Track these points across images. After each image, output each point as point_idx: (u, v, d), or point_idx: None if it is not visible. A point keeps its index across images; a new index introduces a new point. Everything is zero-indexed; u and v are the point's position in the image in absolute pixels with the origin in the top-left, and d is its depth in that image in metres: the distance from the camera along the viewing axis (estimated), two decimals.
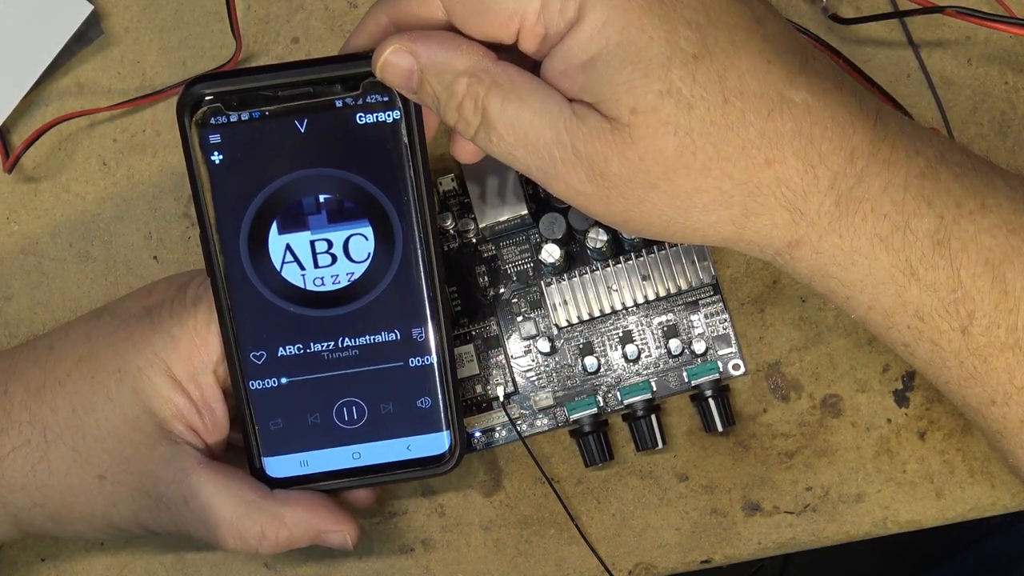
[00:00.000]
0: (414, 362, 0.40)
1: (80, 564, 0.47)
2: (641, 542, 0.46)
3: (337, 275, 0.39)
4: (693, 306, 0.46)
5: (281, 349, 0.40)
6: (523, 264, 0.47)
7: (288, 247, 0.39)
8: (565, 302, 0.46)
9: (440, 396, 0.40)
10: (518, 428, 0.46)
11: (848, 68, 0.45)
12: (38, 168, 0.48)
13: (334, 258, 0.39)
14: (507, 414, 0.46)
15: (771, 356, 0.46)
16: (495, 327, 0.47)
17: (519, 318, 0.47)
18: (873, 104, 0.34)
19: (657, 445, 0.45)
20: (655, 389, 0.46)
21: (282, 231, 0.39)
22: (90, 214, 0.48)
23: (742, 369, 0.46)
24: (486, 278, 0.47)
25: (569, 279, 0.46)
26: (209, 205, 0.39)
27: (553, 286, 0.46)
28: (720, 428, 0.45)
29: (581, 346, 0.47)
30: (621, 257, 0.46)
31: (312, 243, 0.39)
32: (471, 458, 0.47)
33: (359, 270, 0.39)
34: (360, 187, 0.39)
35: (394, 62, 0.35)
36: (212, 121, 0.38)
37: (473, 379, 0.47)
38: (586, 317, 0.46)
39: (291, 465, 0.41)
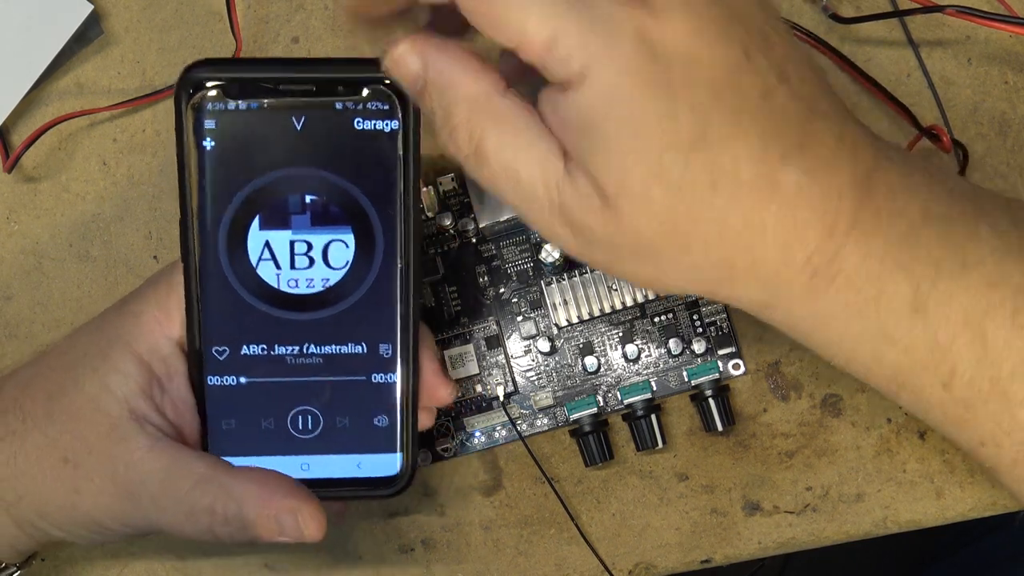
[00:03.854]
0: (377, 378, 0.39)
1: (80, 564, 0.47)
2: (641, 542, 0.46)
3: (312, 279, 0.39)
4: (693, 306, 0.46)
5: (245, 347, 0.39)
6: (523, 264, 0.47)
7: (267, 244, 0.39)
8: (565, 302, 0.46)
9: (399, 416, 0.40)
10: (518, 428, 0.46)
11: (848, 68, 0.45)
12: (38, 168, 0.48)
13: (312, 261, 0.39)
14: (507, 414, 0.46)
15: (771, 356, 0.46)
16: (495, 327, 0.47)
17: (519, 318, 0.47)
18: (867, 161, 0.33)
19: (657, 445, 0.45)
20: (655, 389, 0.46)
21: (263, 227, 0.38)
22: (90, 214, 0.48)
23: (742, 369, 0.46)
24: (486, 278, 0.47)
25: (569, 279, 0.46)
26: (194, 191, 0.38)
27: (553, 286, 0.46)
28: (720, 428, 0.45)
29: (581, 346, 0.47)
30: None
31: (292, 243, 0.39)
32: (471, 458, 0.47)
33: (335, 277, 0.39)
34: (348, 193, 0.38)
35: (403, 62, 0.34)
36: (209, 107, 0.37)
37: (473, 379, 0.47)
38: (586, 317, 0.46)
39: None
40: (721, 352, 0.46)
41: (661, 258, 0.33)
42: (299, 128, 0.38)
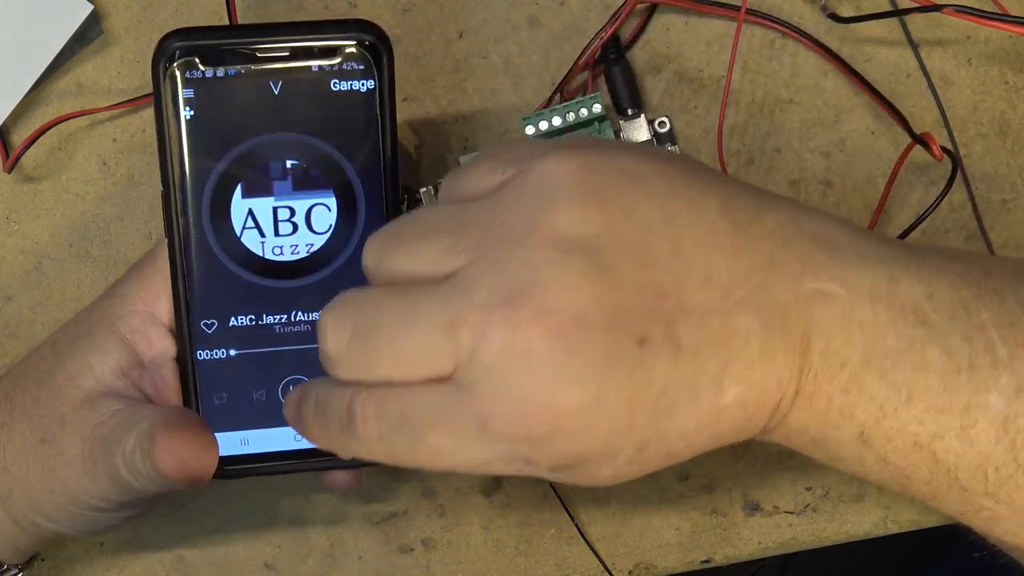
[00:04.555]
0: None
1: (80, 564, 0.47)
2: (641, 542, 0.46)
3: (296, 245, 0.39)
4: None
5: (233, 319, 0.39)
6: None
7: (250, 212, 0.38)
8: None
9: None
10: None
11: (845, 71, 0.45)
12: (38, 168, 0.48)
13: (295, 227, 0.39)
14: None
15: None
16: None
17: None
18: (800, 324, 0.32)
19: None
20: None
21: (246, 195, 0.38)
22: (90, 214, 0.48)
23: None
24: None
25: None
26: (175, 162, 0.38)
27: None
28: None
29: None
30: None
31: (275, 210, 0.38)
32: None
33: (319, 242, 0.39)
34: (328, 155, 0.38)
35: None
36: (187, 75, 0.37)
37: None
38: None
39: (231, 443, 0.40)
40: None
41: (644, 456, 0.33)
42: (277, 93, 0.38)
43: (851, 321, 0.32)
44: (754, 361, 0.31)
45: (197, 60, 0.37)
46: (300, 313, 0.39)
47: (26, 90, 0.47)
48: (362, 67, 0.38)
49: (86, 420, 0.38)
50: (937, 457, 0.33)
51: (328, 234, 0.39)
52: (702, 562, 0.46)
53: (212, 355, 0.39)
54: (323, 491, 0.47)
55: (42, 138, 0.47)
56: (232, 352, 0.39)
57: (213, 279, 0.39)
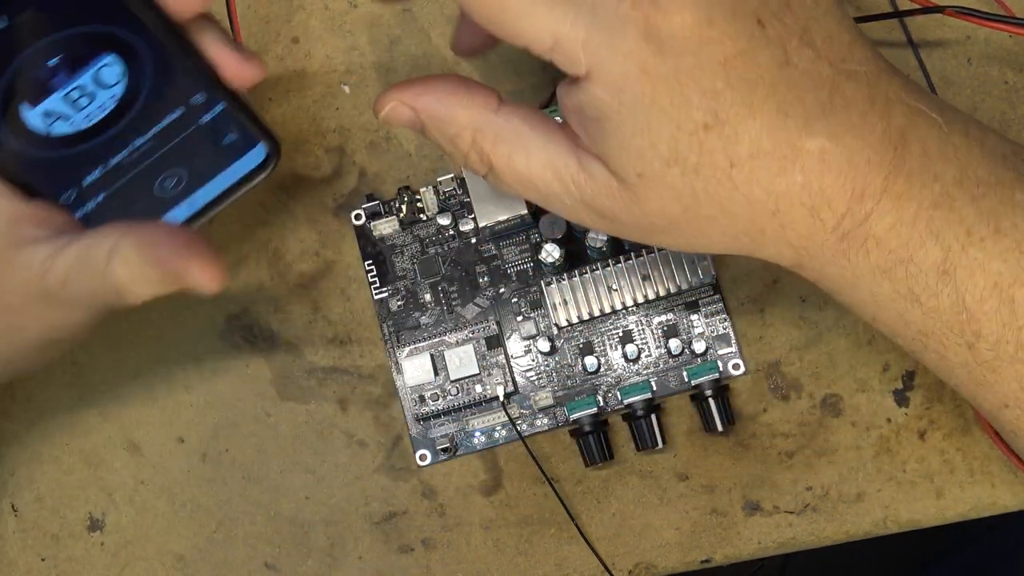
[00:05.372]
0: (205, 119, 0.40)
1: (80, 564, 0.47)
2: (641, 542, 0.46)
3: (103, 104, 0.40)
4: (693, 306, 0.46)
5: (85, 179, 0.40)
6: (523, 264, 0.47)
7: (44, 113, 0.40)
8: (565, 302, 0.46)
9: (240, 124, 0.40)
10: (518, 428, 0.46)
11: None
12: None
13: (92, 96, 0.40)
14: (507, 414, 0.46)
15: (771, 356, 0.46)
16: (495, 327, 0.47)
17: (519, 318, 0.47)
18: (900, 121, 0.32)
19: (657, 445, 0.45)
20: (655, 389, 0.46)
21: (33, 104, 0.40)
22: None
23: (742, 369, 0.46)
24: (486, 278, 0.47)
25: (569, 279, 0.46)
26: None
27: (553, 286, 0.46)
28: (720, 428, 0.45)
29: (581, 346, 0.47)
30: (621, 257, 0.46)
31: (66, 97, 0.40)
32: (471, 458, 0.47)
33: (120, 89, 0.40)
34: (88, 33, 0.39)
35: (396, 116, 0.35)
36: None
37: (473, 379, 0.47)
38: (586, 317, 0.46)
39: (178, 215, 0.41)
40: (721, 352, 0.46)
41: (687, 231, 0.33)
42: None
43: (947, 143, 0.33)
44: (850, 125, 0.31)
45: None
46: (139, 140, 0.40)
47: None
48: None
49: (21, 266, 0.37)
50: (1015, 304, 0.32)
51: (123, 79, 0.40)
52: (702, 562, 0.46)
53: (86, 209, 0.40)
54: (323, 491, 0.47)
55: None
56: (101, 197, 0.41)
57: (49, 171, 0.40)
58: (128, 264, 0.35)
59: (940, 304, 0.33)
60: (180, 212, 0.41)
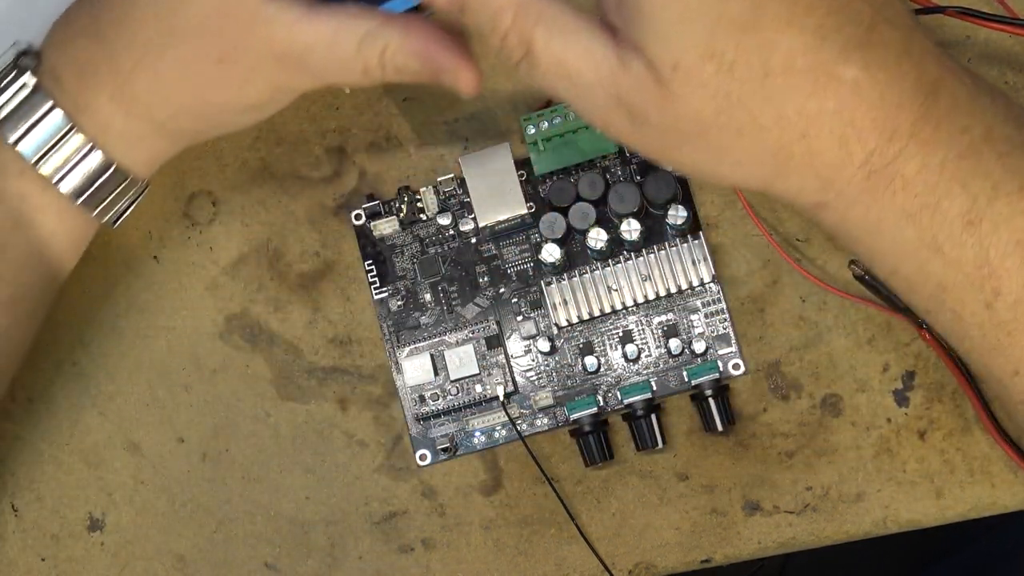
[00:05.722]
0: None
1: (80, 564, 0.47)
2: (641, 542, 0.46)
3: None
4: (693, 306, 0.46)
5: None
6: (523, 264, 0.47)
7: None
8: (565, 302, 0.46)
9: None
10: (518, 428, 0.46)
11: None
12: None
13: None
14: (507, 414, 0.46)
15: (771, 356, 0.46)
16: (495, 327, 0.47)
17: (519, 318, 0.47)
18: (932, 74, 0.33)
19: (657, 445, 0.45)
20: (655, 389, 0.46)
21: None
22: None
23: (742, 369, 0.46)
24: (486, 278, 0.47)
25: (569, 279, 0.46)
26: None
27: (553, 286, 0.46)
28: (720, 428, 0.45)
29: (581, 346, 0.47)
30: (621, 257, 0.46)
31: None
32: (471, 458, 0.47)
33: None
34: None
35: None
36: None
37: (473, 379, 0.47)
38: (586, 317, 0.46)
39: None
40: (721, 352, 0.46)
41: (716, 142, 0.33)
42: None
43: (975, 101, 0.33)
44: (885, 64, 0.32)
45: None
46: None
47: None
48: None
49: (273, 37, 0.37)
50: None
51: None
52: (702, 562, 0.46)
53: None
54: (323, 491, 0.47)
55: None
56: None
57: None
58: (386, 52, 0.37)
59: (963, 255, 0.33)
60: (397, 4, 0.39)
